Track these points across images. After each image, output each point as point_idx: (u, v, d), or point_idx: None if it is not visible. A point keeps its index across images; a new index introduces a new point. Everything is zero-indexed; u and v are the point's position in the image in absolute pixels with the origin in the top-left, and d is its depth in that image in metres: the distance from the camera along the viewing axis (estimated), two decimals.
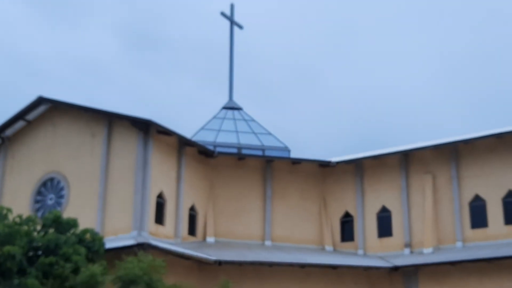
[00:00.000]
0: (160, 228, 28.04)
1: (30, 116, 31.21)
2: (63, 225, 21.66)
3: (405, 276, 29.33)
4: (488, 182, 29.87)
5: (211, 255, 27.55)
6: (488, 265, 27.56)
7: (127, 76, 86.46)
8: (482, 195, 29.90)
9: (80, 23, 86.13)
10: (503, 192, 29.55)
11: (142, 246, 24.30)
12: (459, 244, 29.65)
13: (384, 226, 31.67)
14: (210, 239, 30.60)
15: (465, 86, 79.47)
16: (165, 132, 28.76)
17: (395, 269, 29.20)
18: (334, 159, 32.93)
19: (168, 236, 28.30)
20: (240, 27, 40.70)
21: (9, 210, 22.18)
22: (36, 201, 29.87)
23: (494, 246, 28.43)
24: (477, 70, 79.44)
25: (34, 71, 79.67)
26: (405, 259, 29.62)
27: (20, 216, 21.94)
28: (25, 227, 21.27)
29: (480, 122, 74.45)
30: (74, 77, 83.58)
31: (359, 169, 32.70)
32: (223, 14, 39.95)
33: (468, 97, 78.97)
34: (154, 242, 25.62)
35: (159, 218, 28.26)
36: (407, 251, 30.58)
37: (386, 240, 31.36)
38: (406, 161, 31.81)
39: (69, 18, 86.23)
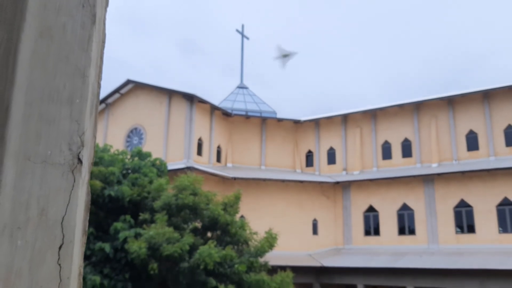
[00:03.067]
0: (199, 158, 28.36)
1: (123, 91, 31.19)
2: (143, 155, 21.82)
3: (343, 187, 29.75)
4: (393, 133, 30.00)
5: (230, 174, 27.92)
6: (391, 181, 27.93)
7: (179, 68, 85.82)
8: (389, 140, 30.06)
9: (152, 35, 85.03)
10: (401, 139, 29.70)
11: (189, 168, 24.60)
12: (375, 169, 29.95)
13: (331, 158, 31.90)
14: (229, 165, 30.96)
15: (382, 71, 78.98)
16: (202, 101, 28.79)
17: (337, 183, 29.58)
18: (303, 118, 32.99)
19: (204, 163, 28.64)
20: (247, 38, 40.22)
21: (111, 146, 22.32)
22: (127, 141, 30.12)
23: (395, 170, 28.74)
24: (390, 61, 78.84)
25: (124, 65, 79.08)
26: (343, 177, 29.98)
27: (117, 150, 22.15)
28: (120, 156, 21.43)
29: (390, 95, 74.29)
30: (147, 69, 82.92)
31: (317, 124, 32.80)
32: (237, 30, 39.47)
33: (384, 79, 78.56)
34: (196, 166, 25.95)
35: (199, 152, 28.54)
36: (344, 173, 30.93)
37: (332, 166, 31.67)
38: (345, 120, 31.88)
39: (145, 31, 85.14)
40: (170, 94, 29.11)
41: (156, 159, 21.85)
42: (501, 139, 26.64)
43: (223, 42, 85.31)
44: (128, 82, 30.58)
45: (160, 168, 21.39)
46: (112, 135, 30.60)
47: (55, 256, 1.10)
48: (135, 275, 16.45)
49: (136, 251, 15.49)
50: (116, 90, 31.03)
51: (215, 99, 43.75)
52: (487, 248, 24.21)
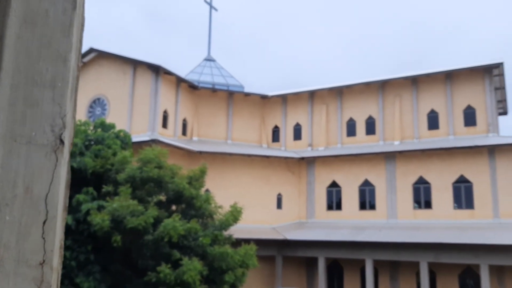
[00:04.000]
0: (165, 130, 28.13)
1: (85, 59, 30.26)
2: (106, 127, 21.29)
3: (308, 163, 30.28)
4: (358, 110, 30.57)
5: (196, 148, 27.89)
6: (355, 158, 28.65)
7: (144, 38, 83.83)
8: (354, 118, 30.65)
9: (117, 2, 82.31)
10: (366, 116, 30.32)
11: (154, 141, 24.42)
12: (339, 145, 30.58)
13: (297, 134, 32.29)
14: (195, 138, 30.88)
15: (350, 49, 79.73)
16: (168, 73, 28.37)
17: (302, 158, 30.06)
18: (270, 93, 33.07)
19: (170, 135, 28.46)
20: (216, 9, 39.58)
21: None
22: (89, 112, 29.47)
23: (359, 147, 29.45)
24: (358, 39, 79.61)
25: (87, 31, 76.72)
26: (308, 153, 30.48)
27: (80, 120, 21.60)
28: (83, 127, 20.89)
29: (356, 71, 75.27)
30: (112, 37, 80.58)
31: (284, 100, 33.00)
32: (205, 1, 38.74)
33: (352, 57, 79.39)
34: (161, 138, 25.76)
35: (164, 125, 28.29)
36: (309, 148, 31.45)
37: (298, 142, 32.10)
38: (312, 96, 32.20)
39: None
40: (135, 64, 28.50)
41: (120, 131, 21.37)
42: (460, 119, 27.69)
43: (190, 12, 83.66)
44: (91, 50, 29.70)
45: (124, 140, 20.99)
46: None
47: (40, 230, 1.19)
48: (98, 247, 16.43)
49: (99, 223, 15.44)
50: None
51: (182, 71, 43.21)
52: (443, 223, 25.44)
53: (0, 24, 1.17)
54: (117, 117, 27.06)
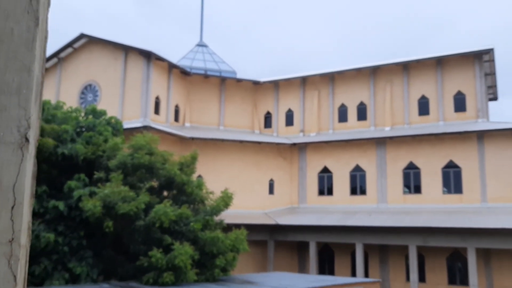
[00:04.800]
0: (157, 117, 28.22)
1: (76, 45, 30.19)
2: (98, 113, 21.35)
3: (299, 149, 30.57)
4: (349, 96, 30.77)
5: (188, 134, 28.06)
6: (346, 143, 28.95)
7: (136, 22, 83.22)
8: (346, 104, 30.85)
9: None
10: (357, 102, 30.53)
11: (146, 128, 24.55)
12: (331, 131, 30.84)
13: (289, 120, 32.49)
14: (187, 124, 30.99)
15: (342, 35, 79.62)
16: (160, 59, 28.35)
17: (294, 144, 30.32)
18: (262, 79, 33.14)
19: (162, 122, 28.56)
20: None
21: (64, 103, 21.79)
22: (81, 98, 29.49)
23: (351, 133, 29.73)
24: (349, 27, 79.46)
25: (78, 15, 75.81)
26: (300, 139, 30.70)
27: (71, 107, 21.60)
28: (74, 114, 20.92)
29: (348, 58, 75.32)
30: (103, 22, 79.95)
31: (276, 86, 33.10)
32: None
33: (343, 43, 79.32)
34: (153, 125, 25.87)
35: (156, 111, 28.37)
36: (301, 134, 31.67)
37: (290, 128, 32.32)
38: (304, 82, 32.32)
39: None
40: (126, 50, 28.48)
41: (111, 118, 21.42)
42: (450, 104, 27.99)
43: None
44: (82, 36, 29.60)
45: (116, 127, 21.07)
46: (65, 92, 29.83)
47: (9, 214, 1.44)
48: (90, 232, 16.72)
49: (91, 209, 15.70)
50: (69, 44, 30.01)
51: (174, 57, 43.11)
52: (432, 208, 25.92)
53: None
54: (109, 103, 27.13)
